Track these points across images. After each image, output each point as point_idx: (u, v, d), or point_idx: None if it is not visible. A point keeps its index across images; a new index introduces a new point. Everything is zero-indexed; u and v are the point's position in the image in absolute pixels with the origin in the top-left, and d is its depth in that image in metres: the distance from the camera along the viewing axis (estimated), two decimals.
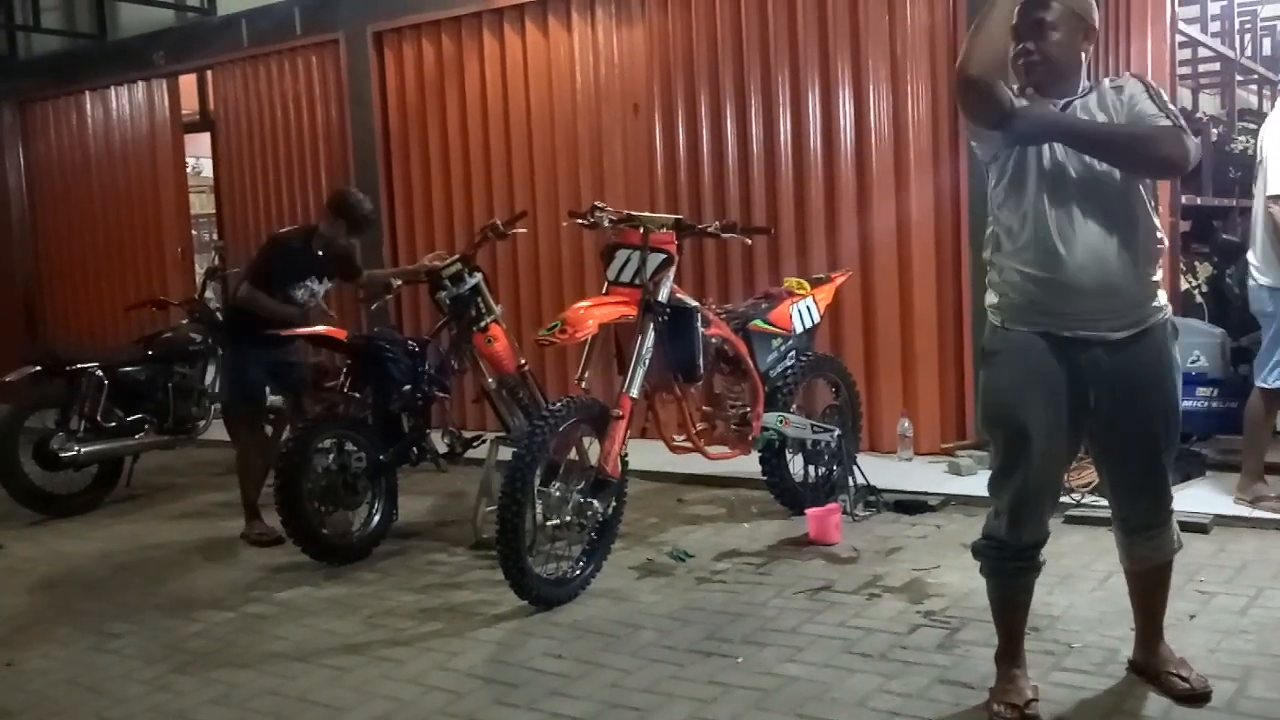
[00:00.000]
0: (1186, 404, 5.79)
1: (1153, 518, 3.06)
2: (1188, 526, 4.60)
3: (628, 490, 4.50)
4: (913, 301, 6.21)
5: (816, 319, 5.29)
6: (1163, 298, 2.93)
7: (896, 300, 6.26)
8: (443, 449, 5.35)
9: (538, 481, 4.06)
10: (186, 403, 6.46)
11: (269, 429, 6.01)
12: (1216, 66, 8.77)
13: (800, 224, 6.51)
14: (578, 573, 4.24)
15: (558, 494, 4.11)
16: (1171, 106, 2.83)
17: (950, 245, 6.10)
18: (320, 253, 5.35)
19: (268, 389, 5.60)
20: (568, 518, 4.13)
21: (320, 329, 5.14)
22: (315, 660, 3.74)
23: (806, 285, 5.34)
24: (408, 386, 5.11)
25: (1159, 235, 2.90)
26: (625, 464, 4.29)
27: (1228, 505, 4.84)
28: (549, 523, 4.10)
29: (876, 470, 5.49)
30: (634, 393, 4.27)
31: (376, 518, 4.97)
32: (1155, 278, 2.90)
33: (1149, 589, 3.16)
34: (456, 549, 4.98)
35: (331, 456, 4.85)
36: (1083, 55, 2.94)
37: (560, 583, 4.18)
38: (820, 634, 3.72)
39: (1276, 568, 4.15)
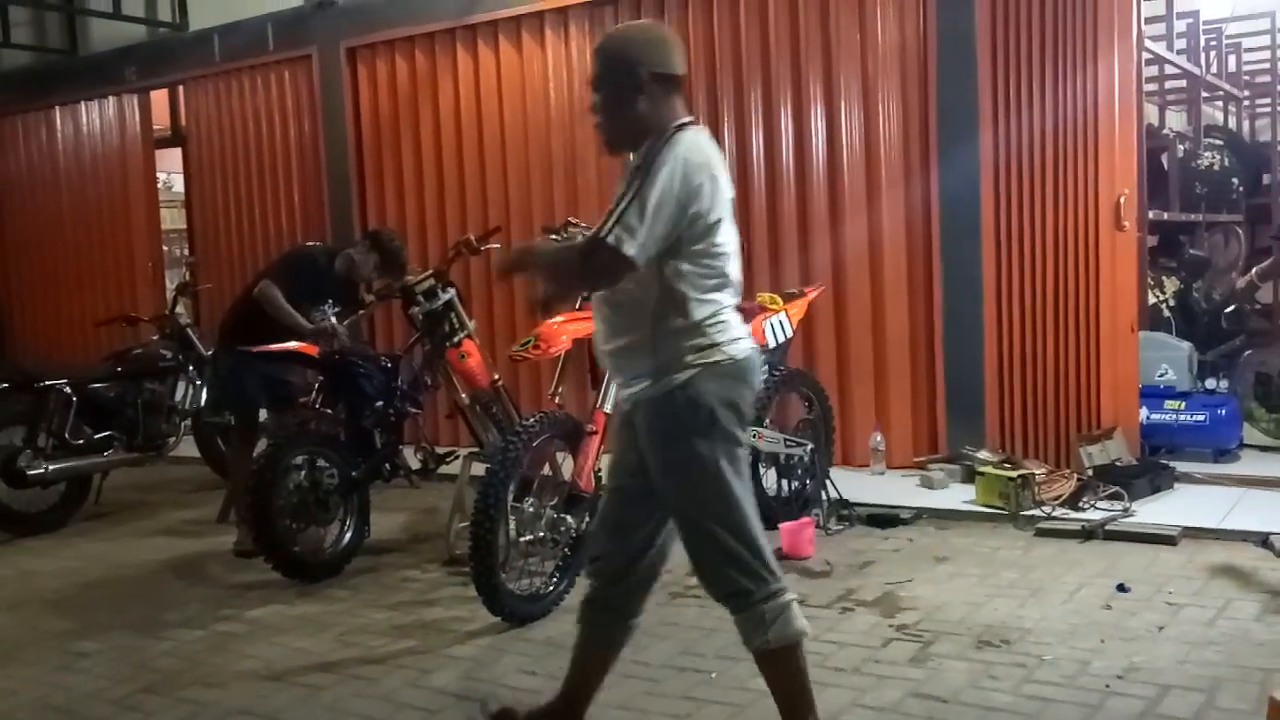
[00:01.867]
0: (1155, 417, 5.93)
1: (710, 591, 2.83)
2: (1156, 539, 4.69)
3: None
4: (885, 316, 6.25)
5: (789, 333, 5.32)
6: (677, 367, 2.68)
7: (869, 315, 6.30)
8: (416, 465, 5.34)
9: (511, 497, 4.06)
10: (156, 420, 6.40)
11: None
12: (1183, 83, 8.89)
13: (773, 239, 6.54)
14: (551, 589, 4.23)
15: (531, 510, 4.11)
16: (645, 190, 2.57)
17: (922, 261, 6.14)
18: (340, 276, 5.37)
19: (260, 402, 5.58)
20: (541, 533, 4.13)
21: (292, 345, 5.11)
22: (287, 679, 3.71)
23: (779, 300, 5.36)
24: (380, 402, 5.09)
25: (666, 312, 2.69)
26: (599, 480, 4.29)
27: (1196, 517, 4.89)
28: (522, 539, 4.10)
29: (849, 484, 5.51)
30: (608, 408, 4.27)
31: (349, 534, 4.95)
32: (644, 354, 2.71)
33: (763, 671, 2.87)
34: (429, 565, 4.96)
35: (303, 473, 4.82)
36: (642, 106, 2.71)
37: (534, 599, 4.16)
38: None
39: (1244, 579, 4.19)
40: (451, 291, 5.16)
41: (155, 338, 6.76)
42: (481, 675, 3.65)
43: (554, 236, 4.75)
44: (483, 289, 7.48)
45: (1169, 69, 8.37)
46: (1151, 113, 8.76)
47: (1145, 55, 6.66)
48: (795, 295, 5.50)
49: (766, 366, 5.21)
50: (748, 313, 5.27)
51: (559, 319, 4.43)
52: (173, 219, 10.42)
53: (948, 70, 5.94)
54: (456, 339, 5.12)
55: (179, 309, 6.87)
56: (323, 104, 8.05)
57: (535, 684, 3.53)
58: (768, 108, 6.51)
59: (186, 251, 9.56)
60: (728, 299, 2.76)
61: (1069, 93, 5.66)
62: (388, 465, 5.17)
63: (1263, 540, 4.57)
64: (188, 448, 6.75)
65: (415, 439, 5.50)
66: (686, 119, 2.75)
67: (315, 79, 8.07)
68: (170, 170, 10.26)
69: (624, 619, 2.98)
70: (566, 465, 4.38)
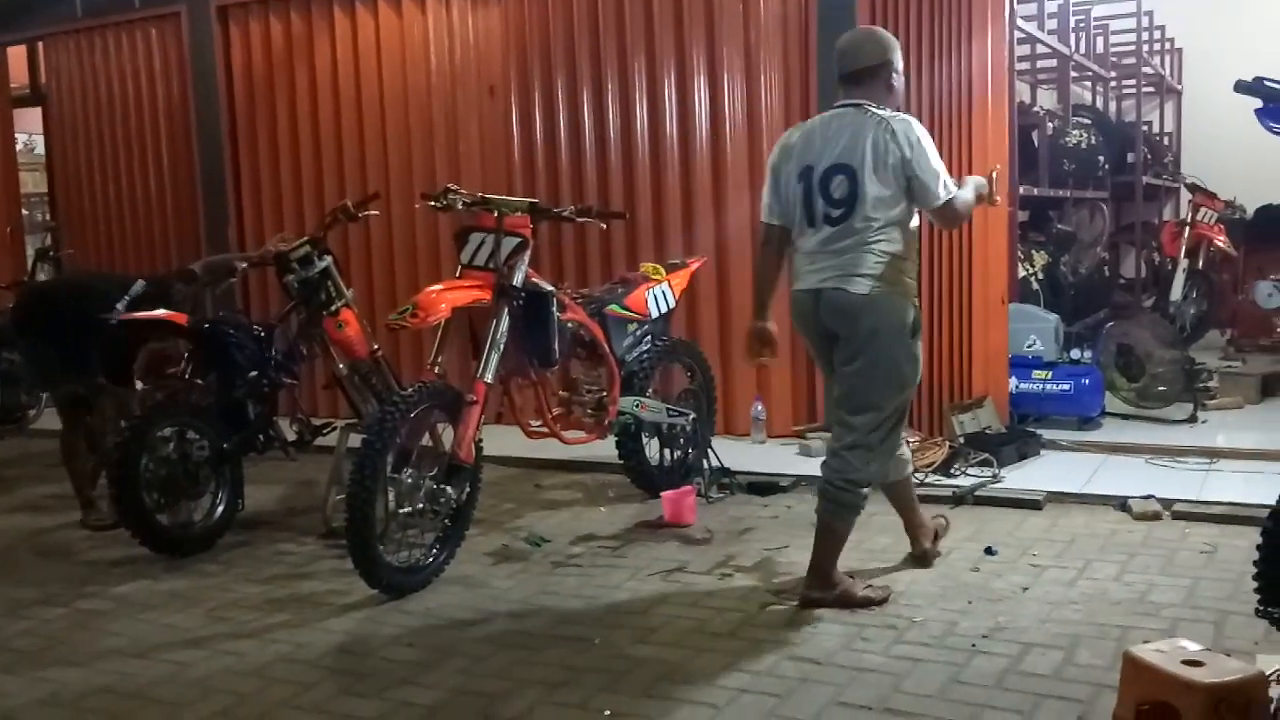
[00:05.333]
0: (1024, 386, 6.12)
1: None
2: (1023, 504, 4.85)
3: (483, 476, 4.45)
4: None
5: (672, 304, 5.33)
6: None
7: (750, 286, 6.34)
8: (292, 437, 5.21)
9: (389, 468, 3.99)
10: (15, 391, 6.14)
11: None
12: (1053, 63, 9.15)
13: (656, 210, 6.55)
14: (430, 560, 4.18)
15: (410, 481, 4.04)
16: None
17: None
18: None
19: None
20: (420, 505, 4.06)
21: (161, 313, 4.92)
22: (153, 656, 3.59)
23: (662, 270, 5.37)
24: (254, 373, 4.95)
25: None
26: (480, 450, 4.25)
27: (1060, 483, 5.07)
28: (401, 510, 4.03)
29: (731, 453, 5.57)
30: (488, 378, 4.23)
31: (220, 508, 4.80)
32: None
33: None
34: (305, 538, 4.86)
35: (171, 445, 4.66)
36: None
37: (412, 570, 4.11)
38: (673, 615, 3.75)
39: (1103, 541, 4.37)
40: (328, 259, 5.04)
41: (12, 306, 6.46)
42: (357, 649, 3.59)
43: (433, 204, 4.67)
44: (361, 256, 7.33)
45: (1040, 49, 8.60)
46: (1023, 91, 8.99)
47: (1017, 34, 6.83)
48: (678, 266, 5.52)
49: (649, 337, 5.24)
50: (631, 282, 5.29)
51: (438, 287, 4.35)
52: (34, 182, 9.97)
53: (828, 42, 5.95)
54: (334, 308, 5.01)
55: (40, 276, 6.58)
56: (192, 64, 7.76)
57: (412, 656, 3.49)
58: (651, 77, 6.49)
59: (48, 216, 9.16)
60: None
61: (944, 70, 5.76)
62: (261, 437, 5.04)
63: (1121, 504, 4.76)
64: (50, 420, 6.47)
65: (291, 410, 5.36)
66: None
67: (184, 38, 7.77)
68: (32, 131, 9.80)
69: None
70: (447, 436, 4.33)
